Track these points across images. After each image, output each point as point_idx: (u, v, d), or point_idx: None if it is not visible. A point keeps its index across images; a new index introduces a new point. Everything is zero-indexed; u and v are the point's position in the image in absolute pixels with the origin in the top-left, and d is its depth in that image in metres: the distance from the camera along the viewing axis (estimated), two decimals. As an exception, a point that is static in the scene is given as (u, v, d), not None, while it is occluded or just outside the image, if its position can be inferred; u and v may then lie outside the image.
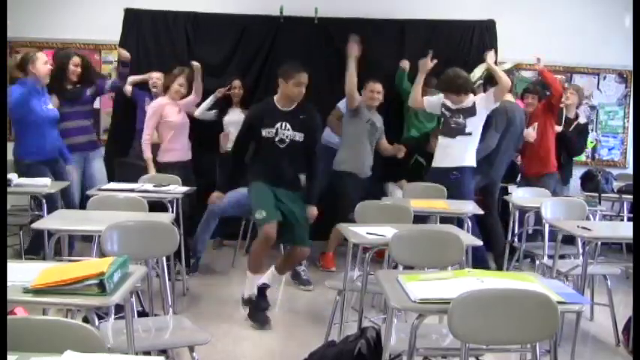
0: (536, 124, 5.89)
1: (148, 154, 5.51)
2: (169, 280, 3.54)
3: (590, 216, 4.95)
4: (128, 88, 6.17)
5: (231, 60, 6.54)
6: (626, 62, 6.62)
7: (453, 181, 5.14)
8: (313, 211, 4.50)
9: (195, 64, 5.76)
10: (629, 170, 7.04)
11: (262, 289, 4.42)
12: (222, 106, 6.20)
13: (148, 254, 3.20)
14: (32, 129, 4.99)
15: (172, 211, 4.53)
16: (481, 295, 2.19)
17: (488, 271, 2.91)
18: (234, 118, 6.11)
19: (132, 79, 6.16)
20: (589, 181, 6.19)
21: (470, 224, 4.38)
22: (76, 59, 5.64)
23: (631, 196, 5.91)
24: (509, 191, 5.76)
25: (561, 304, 2.21)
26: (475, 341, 2.22)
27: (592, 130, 7.13)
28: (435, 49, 5.73)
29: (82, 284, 2.15)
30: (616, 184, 6.21)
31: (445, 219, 4.42)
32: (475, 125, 5.29)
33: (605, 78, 7.19)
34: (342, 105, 5.93)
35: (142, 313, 3.57)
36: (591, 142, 7.22)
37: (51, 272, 2.24)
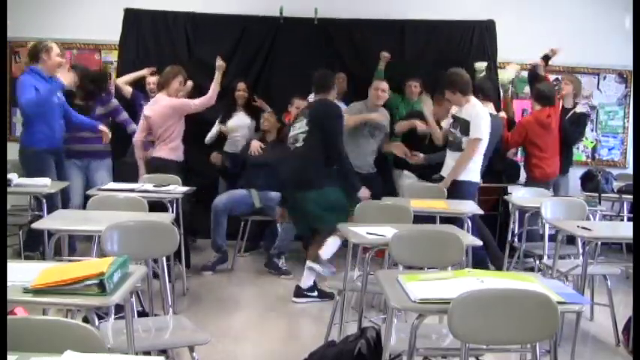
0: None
1: (139, 154, 5.51)
2: (169, 280, 3.54)
3: (590, 216, 4.94)
4: (128, 89, 6.17)
5: (231, 60, 6.53)
6: (626, 62, 6.61)
7: (450, 193, 5.06)
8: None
9: (219, 63, 5.57)
10: (629, 170, 7.03)
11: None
12: (226, 110, 6.14)
13: (148, 254, 3.20)
14: (42, 118, 4.99)
15: (172, 211, 4.53)
16: (481, 295, 2.19)
17: (488, 271, 2.91)
18: (239, 123, 6.08)
19: (127, 77, 6.16)
20: (589, 181, 6.16)
21: (470, 224, 4.38)
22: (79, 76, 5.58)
23: (631, 196, 5.89)
24: (510, 191, 5.75)
25: (561, 304, 2.20)
26: (475, 341, 2.22)
27: (592, 130, 7.14)
28: (434, 49, 5.72)
29: (82, 284, 2.15)
30: (616, 184, 6.19)
31: (445, 219, 4.42)
32: None
33: (605, 78, 7.18)
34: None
35: (142, 313, 3.58)
36: (591, 142, 7.22)
37: (51, 272, 2.24)
